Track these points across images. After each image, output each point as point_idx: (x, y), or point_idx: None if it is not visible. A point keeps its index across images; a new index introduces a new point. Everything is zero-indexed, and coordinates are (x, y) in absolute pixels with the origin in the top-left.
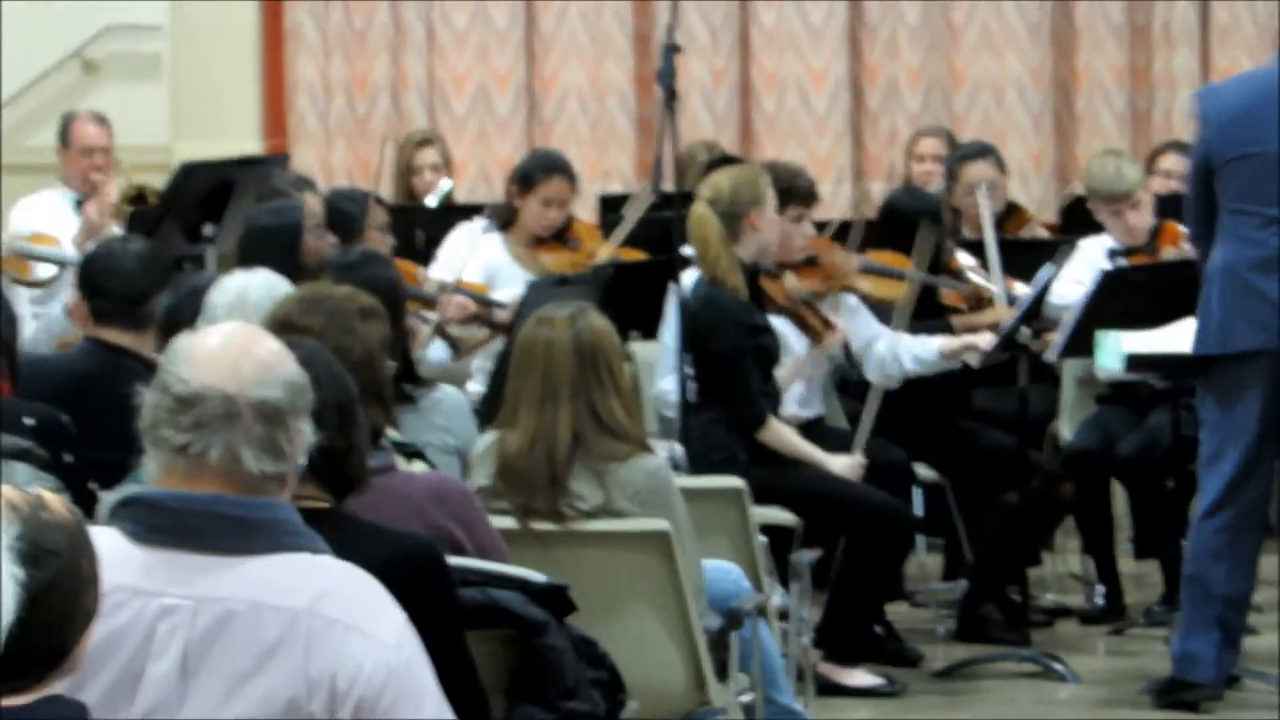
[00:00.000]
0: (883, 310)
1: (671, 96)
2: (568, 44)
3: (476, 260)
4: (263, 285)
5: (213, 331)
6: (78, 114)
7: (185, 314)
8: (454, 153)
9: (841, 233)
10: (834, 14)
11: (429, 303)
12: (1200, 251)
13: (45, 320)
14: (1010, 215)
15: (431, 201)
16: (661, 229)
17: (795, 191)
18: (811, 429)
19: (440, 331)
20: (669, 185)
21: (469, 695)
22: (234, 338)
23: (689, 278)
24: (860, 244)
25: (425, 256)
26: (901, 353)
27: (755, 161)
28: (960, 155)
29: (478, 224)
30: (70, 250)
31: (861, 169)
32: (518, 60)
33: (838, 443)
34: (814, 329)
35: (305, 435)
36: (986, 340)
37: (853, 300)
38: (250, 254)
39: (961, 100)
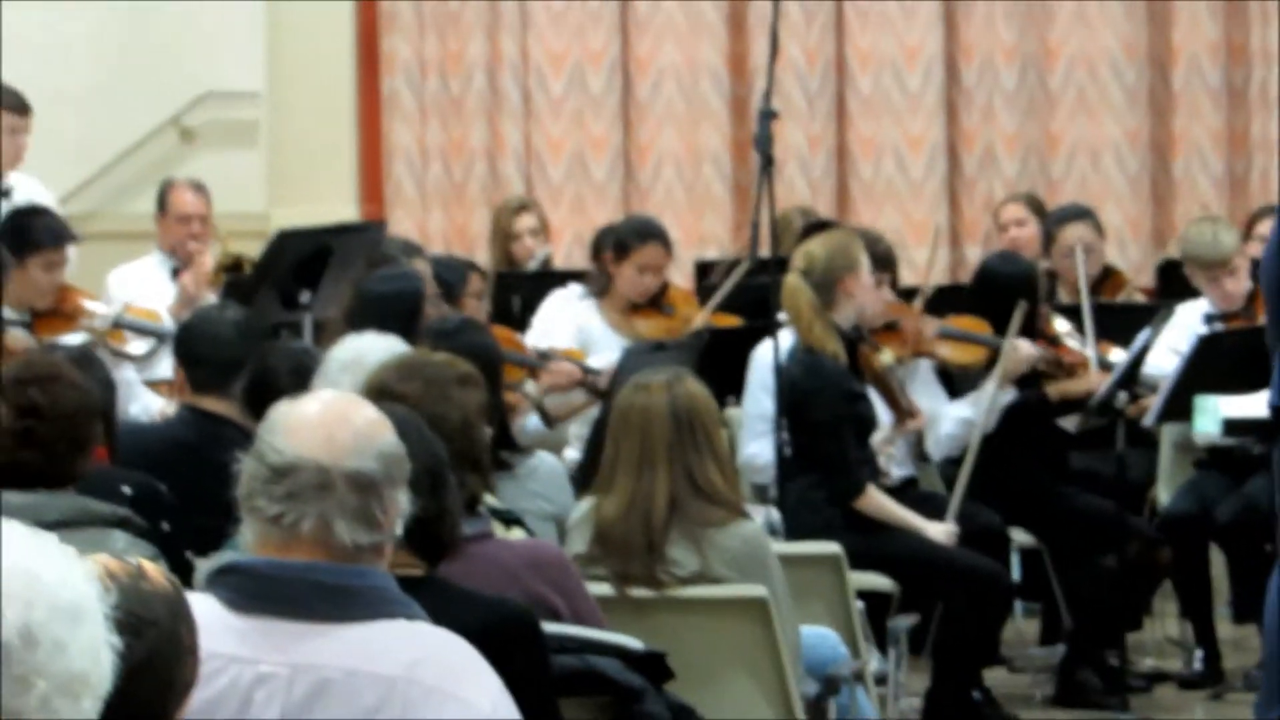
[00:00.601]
0: (962, 376)
1: (768, 162)
2: (664, 110)
3: (571, 326)
4: (382, 348)
5: (310, 400)
6: (176, 182)
7: (266, 385)
8: (550, 219)
9: (938, 298)
10: (930, 79)
11: (532, 370)
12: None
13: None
14: (1107, 279)
15: (531, 266)
16: (757, 295)
17: (874, 257)
18: (905, 491)
19: (538, 405)
20: (765, 251)
21: None
22: (331, 407)
23: (786, 342)
24: (949, 309)
25: (522, 323)
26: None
27: (846, 227)
28: (1058, 217)
29: (573, 290)
30: (167, 322)
31: (958, 234)
32: (614, 126)
33: (932, 507)
34: (899, 407)
35: (401, 505)
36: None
37: (924, 368)
38: (365, 320)
39: (1058, 165)
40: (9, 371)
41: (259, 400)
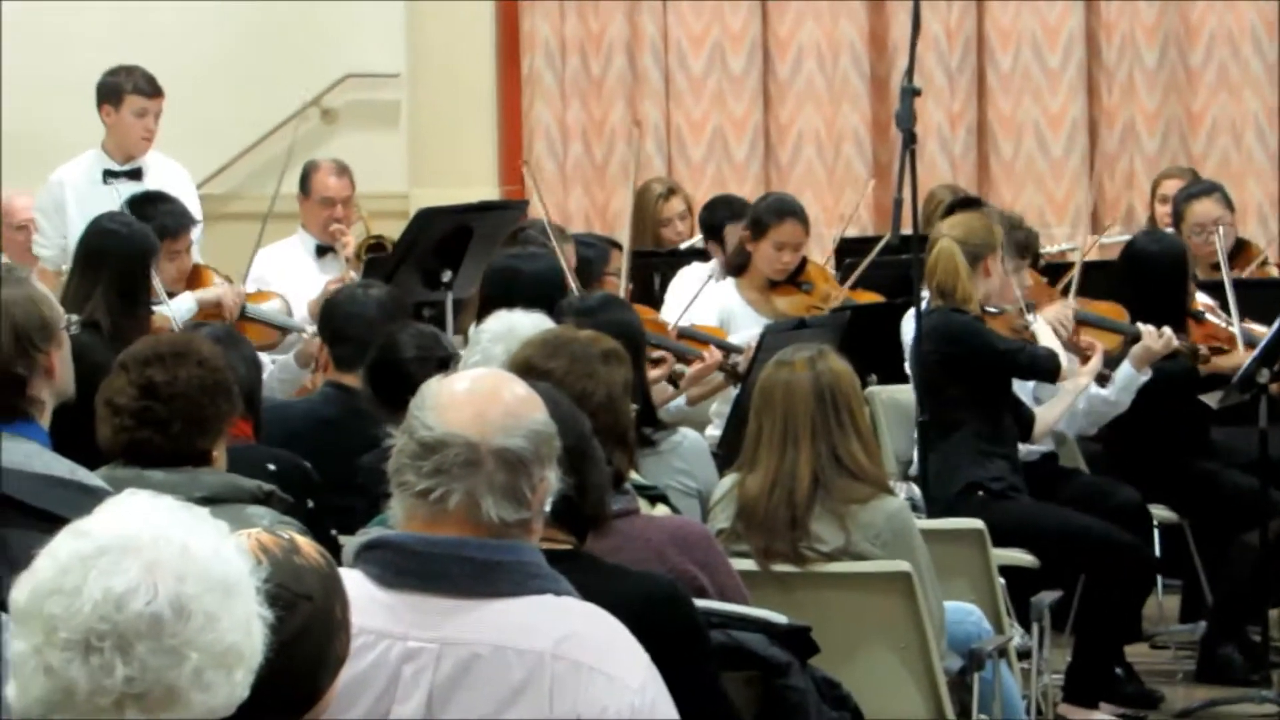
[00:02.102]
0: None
1: (911, 139)
2: (804, 89)
3: (710, 305)
4: (533, 323)
5: (461, 378)
6: (320, 163)
7: (391, 367)
8: (693, 198)
9: (1086, 276)
10: (1071, 56)
11: (677, 356)
12: None
13: (279, 367)
14: (1239, 253)
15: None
16: (896, 272)
17: (1015, 244)
18: (1044, 466)
19: (671, 379)
20: (908, 229)
21: None
22: (481, 384)
23: (911, 321)
24: (1096, 289)
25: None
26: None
27: (992, 206)
28: (1187, 194)
29: (706, 268)
30: (295, 315)
31: (1098, 212)
32: (754, 105)
33: (1070, 482)
34: (1076, 346)
35: (550, 483)
36: None
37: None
38: (504, 300)
39: (1200, 141)
40: (136, 350)
41: (383, 382)
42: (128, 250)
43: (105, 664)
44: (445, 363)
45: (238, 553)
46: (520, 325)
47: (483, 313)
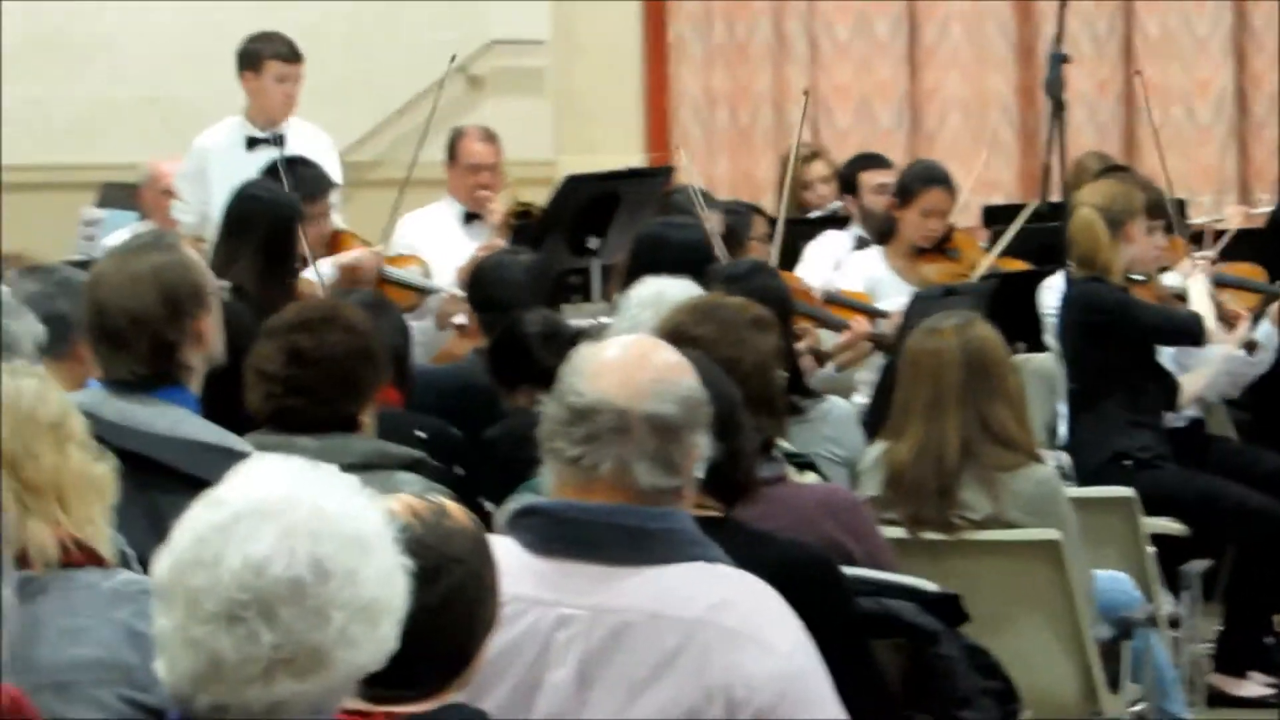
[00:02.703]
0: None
1: (1060, 106)
2: (950, 55)
3: (857, 272)
4: (681, 289)
5: (611, 344)
6: (466, 130)
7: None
8: (838, 163)
9: (1233, 243)
10: (1219, 22)
11: (824, 323)
12: None
13: (418, 331)
14: None
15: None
16: (1044, 240)
17: (1147, 206)
18: (1192, 433)
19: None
20: (1056, 196)
21: (874, 698)
22: (631, 350)
23: (1058, 285)
24: (1236, 254)
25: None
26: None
27: (1135, 173)
28: None
29: (846, 235)
30: (435, 278)
31: (1246, 179)
32: (900, 71)
33: (1218, 449)
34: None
35: (701, 449)
36: None
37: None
38: (651, 267)
39: None
40: (283, 317)
41: (505, 359)
42: (273, 216)
43: (250, 633)
44: (571, 341)
45: (372, 509)
46: (669, 291)
47: (630, 280)
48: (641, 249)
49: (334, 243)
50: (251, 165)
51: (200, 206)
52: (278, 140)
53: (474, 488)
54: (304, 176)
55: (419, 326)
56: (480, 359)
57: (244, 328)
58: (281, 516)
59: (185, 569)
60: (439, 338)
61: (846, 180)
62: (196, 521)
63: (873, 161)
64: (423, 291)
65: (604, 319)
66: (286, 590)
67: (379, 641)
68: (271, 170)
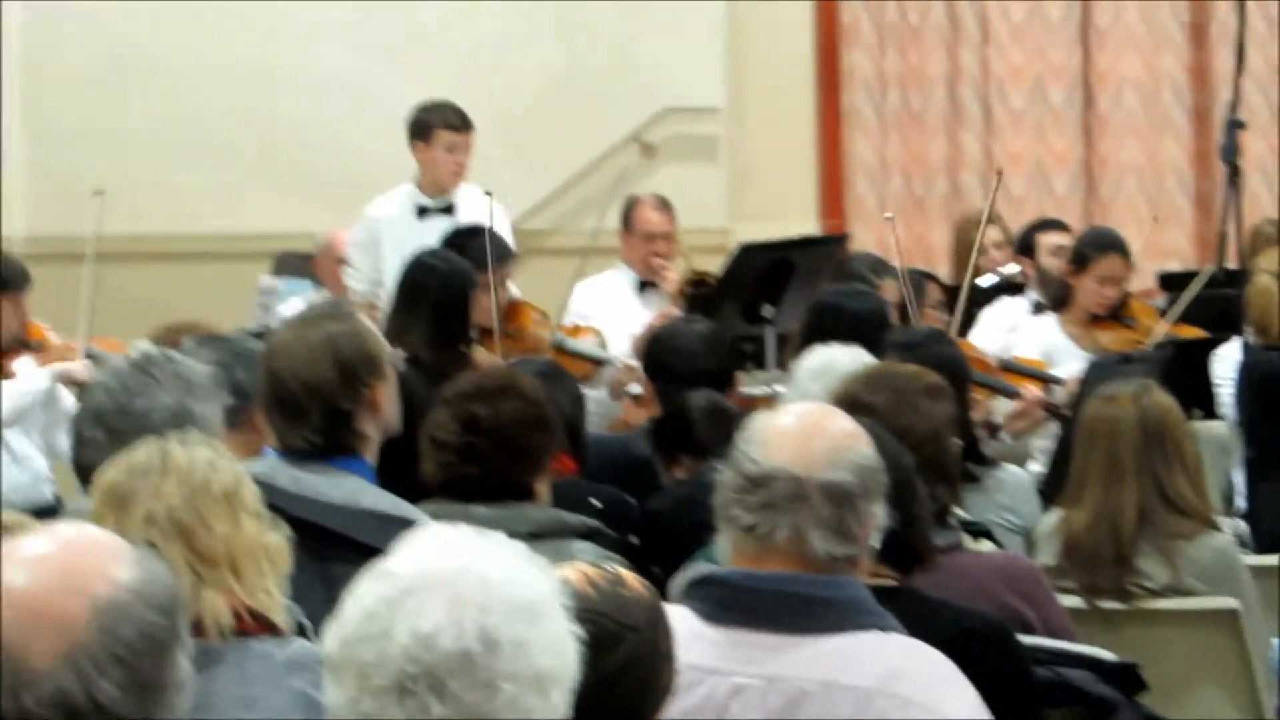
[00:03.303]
0: None
1: (1235, 173)
2: (1125, 122)
3: (1033, 339)
4: (850, 358)
5: (787, 412)
6: (641, 198)
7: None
8: (1012, 231)
9: None
10: None
11: (1002, 393)
12: None
13: (592, 401)
14: None
15: (988, 280)
16: (1220, 306)
17: None
18: None
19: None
20: (1232, 262)
21: None
22: (807, 418)
23: (1230, 354)
24: None
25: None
26: None
27: None
28: None
29: (1023, 300)
30: (613, 346)
31: None
32: (1075, 138)
33: None
34: None
35: (876, 517)
36: None
37: None
38: (825, 335)
39: None
40: (458, 385)
41: (668, 436)
42: (446, 285)
43: (421, 705)
44: (736, 420)
45: (541, 577)
46: (838, 361)
47: (804, 348)
48: (816, 318)
49: (510, 312)
50: (423, 234)
51: (372, 275)
52: (448, 209)
53: (649, 556)
54: (484, 245)
55: (593, 396)
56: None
57: (419, 396)
58: (448, 588)
59: (355, 643)
60: (614, 407)
61: (1023, 243)
62: (365, 594)
63: (1050, 224)
64: (598, 362)
65: (778, 387)
66: (456, 663)
67: (550, 711)
68: (451, 238)
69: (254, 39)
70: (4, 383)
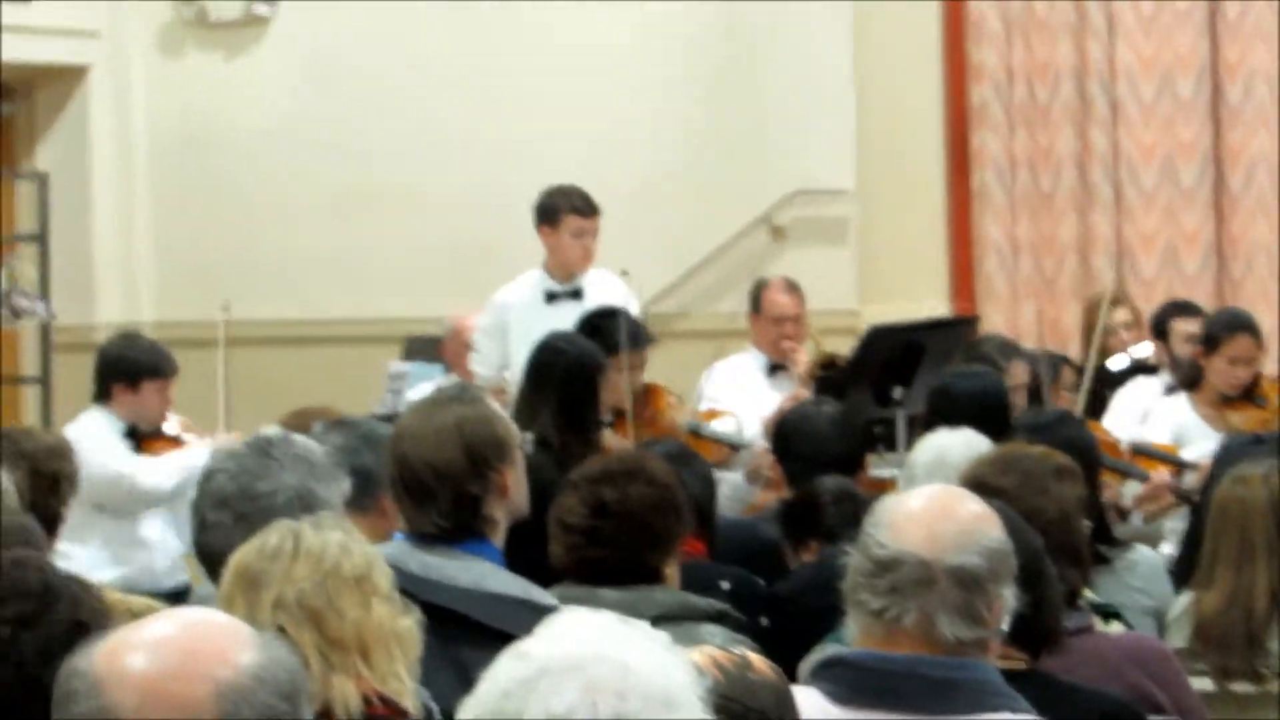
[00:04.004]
0: None
1: None
2: (1255, 200)
3: (1164, 420)
4: (963, 444)
5: (915, 494)
6: (770, 281)
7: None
8: (1143, 312)
9: None
10: None
11: (1132, 477)
12: None
13: (728, 485)
14: None
15: (1120, 362)
16: None
17: None
18: None
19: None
20: None
21: None
22: (935, 502)
23: None
24: None
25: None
26: None
27: None
28: None
29: (1156, 381)
30: (746, 430)
31: None
32: (1206, 217)
33: None
34: None
35: (1005, 601)
36: None
37: None
38: (948, 418)
39: None
40: (586, 469)
41: (797, 521)
42: (575, 368)
43: None
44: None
45: (680, 665)
46: (951, 454)
47: (926, 431)
48: (933, 401)
49: (646, 396)
50: (551, 319)
51: (499, 360)
52: (576, 293)
53: (777, 639)
54: (620, 327)
55: (729, 480)
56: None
57: (547, 480)
58: (585, 671)
59: None
60: (749, 491)
61: (1158, 327)
62: (501, 675)
63: (1185, 310)
64: (734, 447)
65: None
66: None
67: None
68: (587, 320)
69: (376, 121)
70: (171, 455)
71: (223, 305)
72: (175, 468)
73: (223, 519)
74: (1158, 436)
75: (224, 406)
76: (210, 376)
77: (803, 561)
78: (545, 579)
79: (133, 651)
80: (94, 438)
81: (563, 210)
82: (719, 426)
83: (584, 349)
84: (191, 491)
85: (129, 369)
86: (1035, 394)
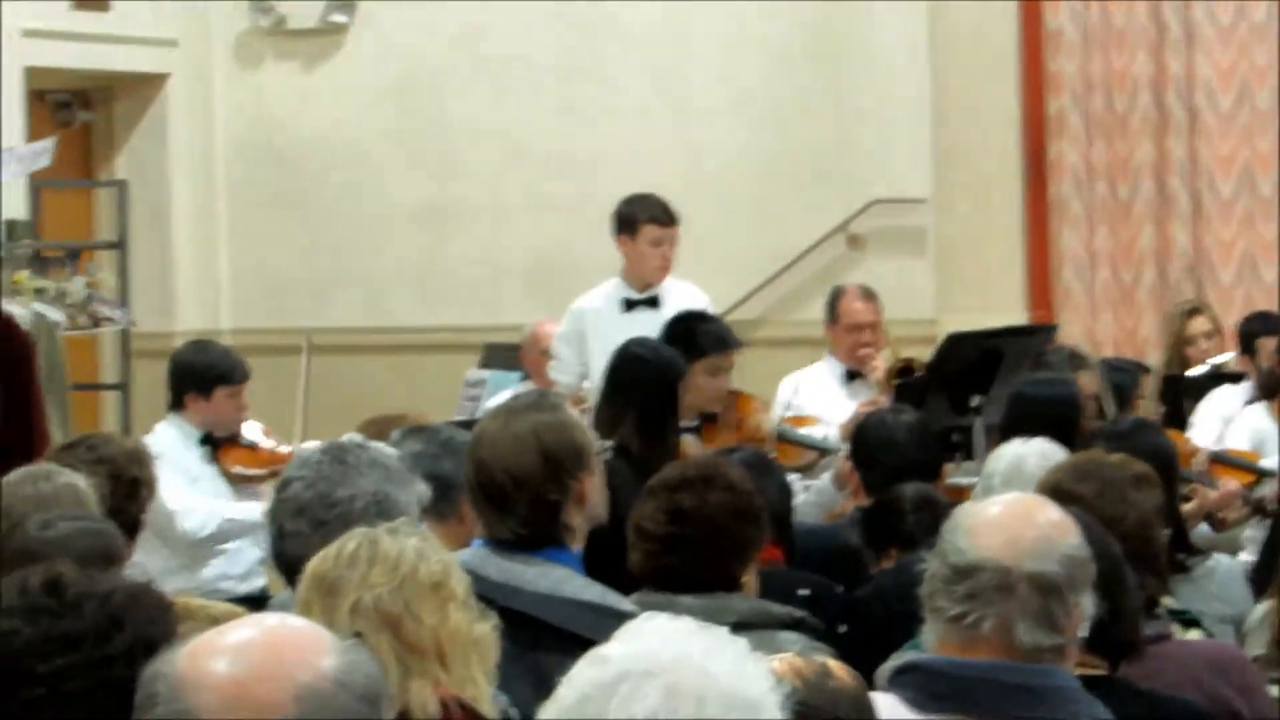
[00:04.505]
0: None
1: None
2: None
3: (1244, 428)
4: (1038, 454)
5: (994, 502)
6: (846, 289)
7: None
8: (1223, 322)
9: None
10: None
11: (1203, 485)
12: None
13: (815, 491)
14: None
15: (1199, 371)
16: None
17: None
18: None
19: (1208, 516)
20: None
21: None
22: (1014, 509)
23: None
24: None
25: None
26: None
27: None
28: None
29: (1239, 390)
30: (830, 432)
31: None
32: None
33: None
34: None
35: (1084, 608)
36: None
37: None
38: (1021, 426)
39: None
40: (665, 476)
41: (878, 527)
42: (654, 375)
43: None
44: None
45: (760, 671)
46: (1028, 463)
47: (1002, 440)
48: (1007, 409)
49: (733, 401)
50: (628, 327)
51: (578, 368)
52: (653, 302)
53: (857, 645)
54: (707, 332)
55: (816, 486)
56: (861, 517)
57: (626, 487)
58: (667, 676)
59: None
60: (835, 497)
61: (1246, 340)
62: (581, 678)
63: (1272, 325)
64: (823, 451)
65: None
66: None
67: None
68: (674, 323)
69: (455, 129)
70: (219, 505)
71: (305, 334)
72: (219, 518)
73: (300, 527)
74: (1237, 444)
75: (302, 415)
76: (289, 384)
77: (883, 568)
78: (624, 586)
79: (214, 655)
80: (164, 456)
81: (641, 219)
82: (806, 432)
83: (664, 356)
84: (234, 543)
85: (200, 377)
86: (1103, 405)
